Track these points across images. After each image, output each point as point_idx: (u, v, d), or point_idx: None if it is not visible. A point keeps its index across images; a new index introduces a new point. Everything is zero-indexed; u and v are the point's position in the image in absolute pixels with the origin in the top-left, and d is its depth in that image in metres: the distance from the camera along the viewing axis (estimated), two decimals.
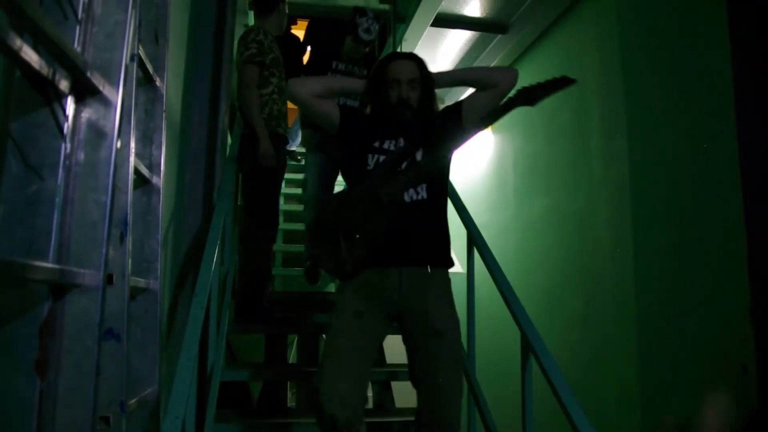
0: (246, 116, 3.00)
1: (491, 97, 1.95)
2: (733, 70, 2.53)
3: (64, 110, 1.08)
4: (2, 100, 1.09)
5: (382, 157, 1.88)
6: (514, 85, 1.95)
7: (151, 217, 1.73)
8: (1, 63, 1.07)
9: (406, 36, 4.56)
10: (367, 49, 3.42)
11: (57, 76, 1.04)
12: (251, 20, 4.14)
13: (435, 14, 4.20)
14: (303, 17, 4.80)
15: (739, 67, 2.50)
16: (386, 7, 4.65)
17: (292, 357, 4.50)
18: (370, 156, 1.90)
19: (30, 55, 0.93)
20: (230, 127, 3.53)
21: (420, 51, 4.77)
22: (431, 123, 1.96)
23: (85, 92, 1.12)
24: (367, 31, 3.27)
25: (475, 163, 5.43)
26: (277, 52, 3.16)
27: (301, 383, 3.82)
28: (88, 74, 1.07)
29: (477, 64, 5.07)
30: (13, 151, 1.03)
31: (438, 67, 5.31)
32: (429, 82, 1.97)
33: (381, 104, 1.94)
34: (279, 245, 4.55)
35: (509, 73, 1.99)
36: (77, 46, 1.13)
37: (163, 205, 1.76)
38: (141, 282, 1.64)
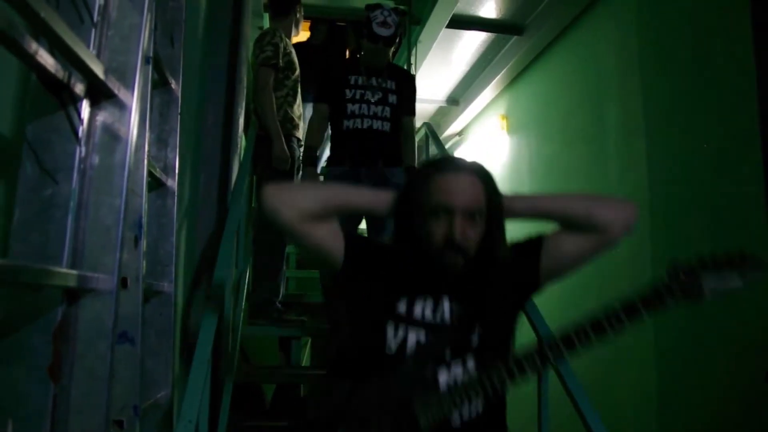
0: (260, 118, 3.01)
1: (592, 245, 1.24)
2: (756, 70, 2.48)
3: (79, 114, 1.08)
4: (18, 104, 1.10)
5: (410, 332, 1.19)
6: (630, 227, 1.24)
7: (166, 220, 1.74)
8: (16, 67, 1.07)
9: (421, 38, 4.55)
10: (390, 51, 2.71)
11: (72, 80, 1.04)
12: (266, 23, 4.15)
13: (450, 16, 4.18)
14: (318, 19, 4.81)
15: (762, 66, 2.45)
16: (403, 8, 4.65)
17: (305, 359, 4.49)
18: (390, 327, 1.20)
19: (45, 59, 0.93)
20: (245, 129, 3.54)
21: (435, 53, 4.75)
22: (497, 279, 1.25)
23: (100, 95, 1.12)
24: (384, 24, 2.55)
25: (491, 165, 5.39)
26: (293, 54, 3.17)
27: (314, 386, 3.81)
28: (104, 77, 1.07)
29: (492, 66, 5.02)
30: (28, 155, 1.03)
31: (452, 70, 5.33)
32: (498, 213, 1.25)
33: (417, 244, 1.21)
34: (292, 247, 4.55)
35: (625, 207, 1.24)
36: (92, 49, 1.13)
37: (177, 207, 1.77)
38: (155, 285, 1.65)
